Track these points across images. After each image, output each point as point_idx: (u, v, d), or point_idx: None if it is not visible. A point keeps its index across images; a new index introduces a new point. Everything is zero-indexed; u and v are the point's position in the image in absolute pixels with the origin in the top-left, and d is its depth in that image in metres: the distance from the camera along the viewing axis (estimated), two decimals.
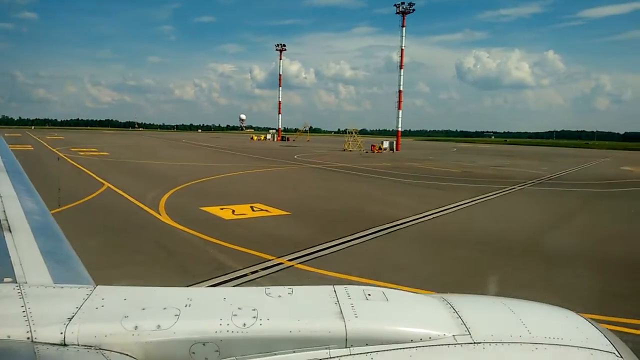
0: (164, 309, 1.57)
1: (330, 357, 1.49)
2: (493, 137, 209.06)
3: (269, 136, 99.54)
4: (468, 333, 1.56)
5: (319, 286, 1.80)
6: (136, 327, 1.49)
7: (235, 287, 1.92)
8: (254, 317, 1.55)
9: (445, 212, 15.24)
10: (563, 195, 20.86)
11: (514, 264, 9.59)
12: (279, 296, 1.70)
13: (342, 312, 1.60)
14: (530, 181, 25.76)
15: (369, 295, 1.74)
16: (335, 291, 1.75)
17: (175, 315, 1.54)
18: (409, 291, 1.87)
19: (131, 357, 1.46)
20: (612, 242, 11.87)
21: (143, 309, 1.57)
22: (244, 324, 1.52)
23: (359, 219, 13.53)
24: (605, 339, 1.59)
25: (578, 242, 11.71)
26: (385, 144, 59.93)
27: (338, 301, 1.68)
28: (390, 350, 1.50)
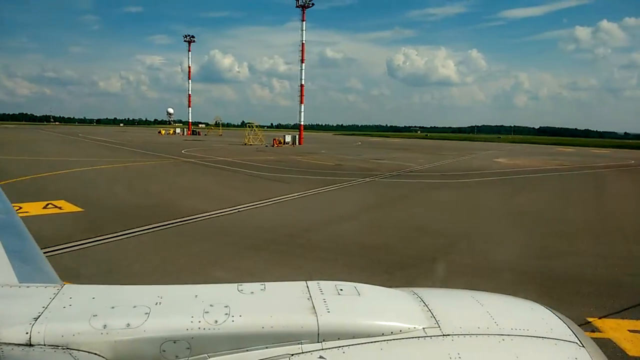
0: (134, 307, 1.55)
1: (303, 352, 1.50)
2: (419, 132, 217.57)
3: (178, 130, 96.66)
4: (437, 326, 1.59)
5: (292, 282, 1.80)
6: (105, 325, 1.47)
7: (207, 284, 1.84)
8: (226, 313, 1.55)
9: (258, 205, 15.11)
10: (398, 187, 21.56)
11: (234, 252, 9.55)
12: (252, 292, 1.70)
13: (314, 307, 1.61)
14: (389, 173, 26.60)
15: (341, 290, 1.76)
16: (307, 287, 1.77)
17: (146, 313, 1.52)
18: (380, 286, 1.87)
19: (100, 356, 1.43)
20: (376, 232, 12.27)
21: (112, 308, 1.55)
22: (216, 321, 1.51)
23: (154, 214, 13.00)
24: (569, 329, 1.64)
25: (343, 232, 11.99)
26: (288, 138, 60.00)
27: (310, 296, 1.69)
28: (362, 343, 1.52)
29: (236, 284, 1.76)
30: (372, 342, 1.54)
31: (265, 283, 1.78)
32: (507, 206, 17.07)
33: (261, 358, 1.50)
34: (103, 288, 1.71)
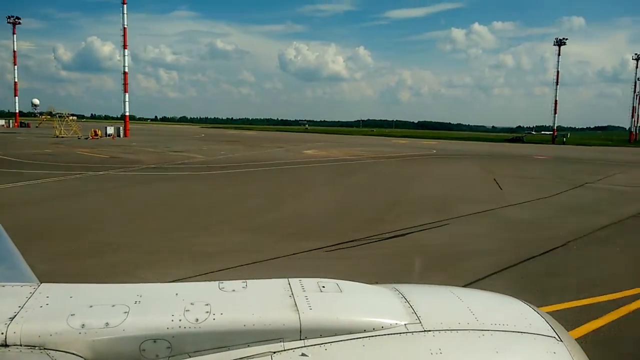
0: (113, 306, 1.53)
1: (285, 350, 1.48)
2: (307, 126, 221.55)
3: (1, 122, 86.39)
4: (419, 321, 1.60)
5: (274, 279, 1.80)
6: (83, 325, 1.44)
7: (188, 282, 1.68)
8: (207, 312, 1.53)
9: None
10: (113, 180, 20.32)
11: None
12: (233, 290, 1.69)
13: (296, 305, 1.60)
14: (153, 166, 25.62)
15: (323, 287, 1.76)
16: (289, 284, 1.76)
17: (125, 312, 1.50)
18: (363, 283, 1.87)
19: (78, 356, 1.41)
20: None
21: (90, 307, 1.52)
22: (197, 319, 1.49)
23: None
24: (547, 324, 1.67)
25: None
26: (110, 130, 55.99)
27: (292, 294, 1.68)
28: (344, 340, 1.52)
29: (217, 282, 1.73)
30: (354, 338, 1.52)
31: (247, 280, 1.76)
32: (185, 199, 16.79)
33: (243, 356, 1.46)
34: (81, 287, 1.67)
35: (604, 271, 9.27)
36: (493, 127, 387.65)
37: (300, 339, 1.51)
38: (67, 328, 1.43)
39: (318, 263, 9.25)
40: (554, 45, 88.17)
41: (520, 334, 1.61)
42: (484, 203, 16.39)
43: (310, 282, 1.78)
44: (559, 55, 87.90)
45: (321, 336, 1.52)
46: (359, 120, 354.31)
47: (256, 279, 1.79)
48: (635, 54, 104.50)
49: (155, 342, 1.45)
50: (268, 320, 1.52)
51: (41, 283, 1.70)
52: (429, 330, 1.57)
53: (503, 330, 1.61)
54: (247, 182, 21.38)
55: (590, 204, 17.41)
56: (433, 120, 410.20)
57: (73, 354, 1.41)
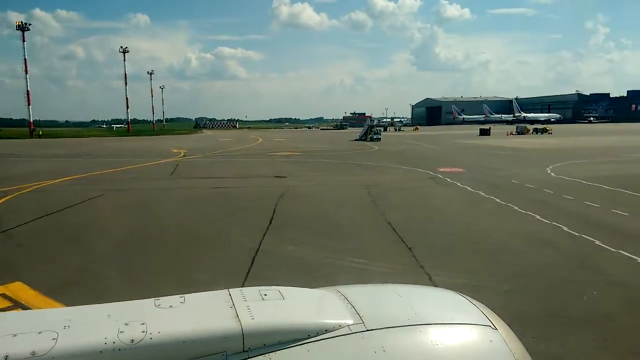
0: (39, 333, 1.45)
1: None
2: None
3: None
4: (362, 322, 1.64)
5: (213, 291, 1.78)
6: (6, 357, 1.34)
7: (121, 302, 1.59)
8: (143, 331, 1.47)
9: None
10: None
11: None
12: (170, 306, 1.64)
13: (238, 315, 1.57)
14: None
15: (265, 295, 1.75)
16: (230, 294, 1.73)
17: (53, 338, 1.41)
18: (305, 288, 1.87)
19: None
20: None
21: (14, 336, 1.43)
22: (132, 340, 1.43)
23: None
24: (483, 314, 1.77)
25: None
26: None
27: (233, 305, 1.65)
28: (288, 348, 1.50)
29: (153, 299, 1.67)
30: (298, 344, 1.51)
31: (185, 295, 1.71)
32: None
33: None
34: (2, 315, 1.53)
35: None
36: (67, 121, 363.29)
37: (244, 351, 1.48)
38: None
39: None
40: (17, 29, 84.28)
41: (458, 325, 1.68)
42: None
43: (252, 291, 1.77)
44: (23, 41, 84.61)
45: (265, 345, 1.49)
46: None
47: (195, 292, 1.74)
48: (121, 47, 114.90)
49: None
50: (209, 334, 1.48)
51: None
52: (373, 330, 1.60)
53: (442, 323, 1.67)
54: None
55: None
56: None
57: None
